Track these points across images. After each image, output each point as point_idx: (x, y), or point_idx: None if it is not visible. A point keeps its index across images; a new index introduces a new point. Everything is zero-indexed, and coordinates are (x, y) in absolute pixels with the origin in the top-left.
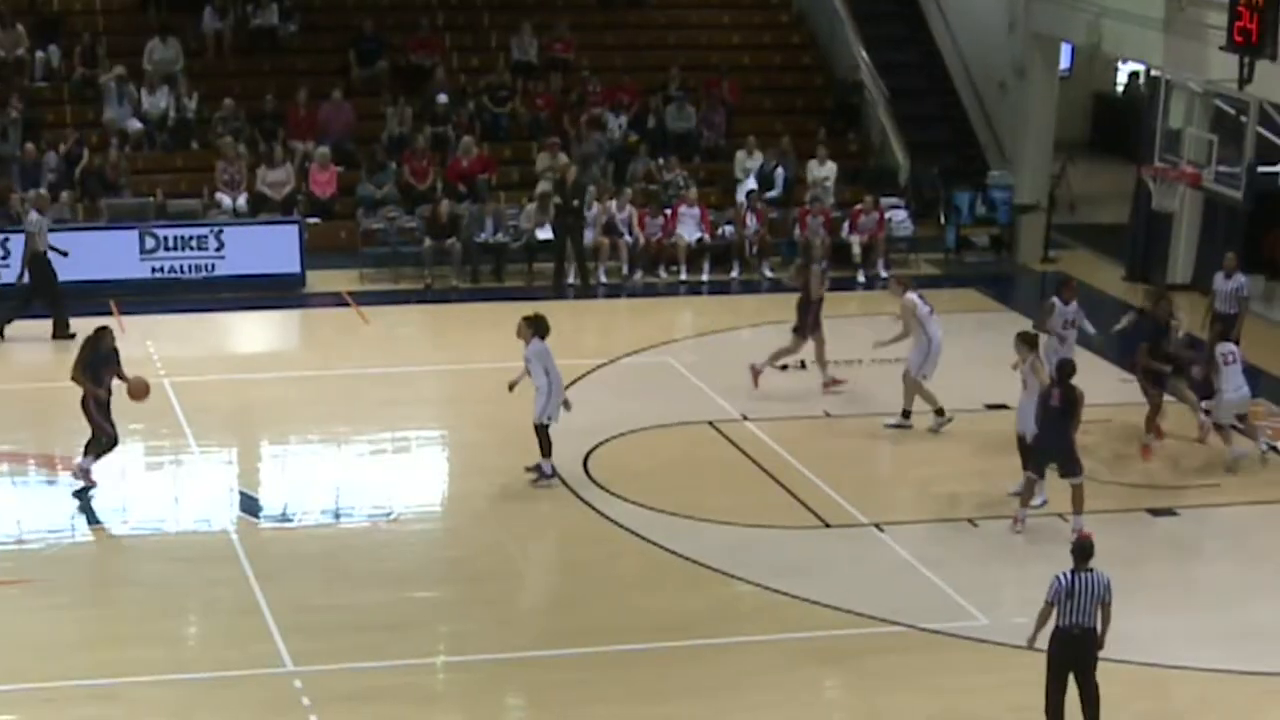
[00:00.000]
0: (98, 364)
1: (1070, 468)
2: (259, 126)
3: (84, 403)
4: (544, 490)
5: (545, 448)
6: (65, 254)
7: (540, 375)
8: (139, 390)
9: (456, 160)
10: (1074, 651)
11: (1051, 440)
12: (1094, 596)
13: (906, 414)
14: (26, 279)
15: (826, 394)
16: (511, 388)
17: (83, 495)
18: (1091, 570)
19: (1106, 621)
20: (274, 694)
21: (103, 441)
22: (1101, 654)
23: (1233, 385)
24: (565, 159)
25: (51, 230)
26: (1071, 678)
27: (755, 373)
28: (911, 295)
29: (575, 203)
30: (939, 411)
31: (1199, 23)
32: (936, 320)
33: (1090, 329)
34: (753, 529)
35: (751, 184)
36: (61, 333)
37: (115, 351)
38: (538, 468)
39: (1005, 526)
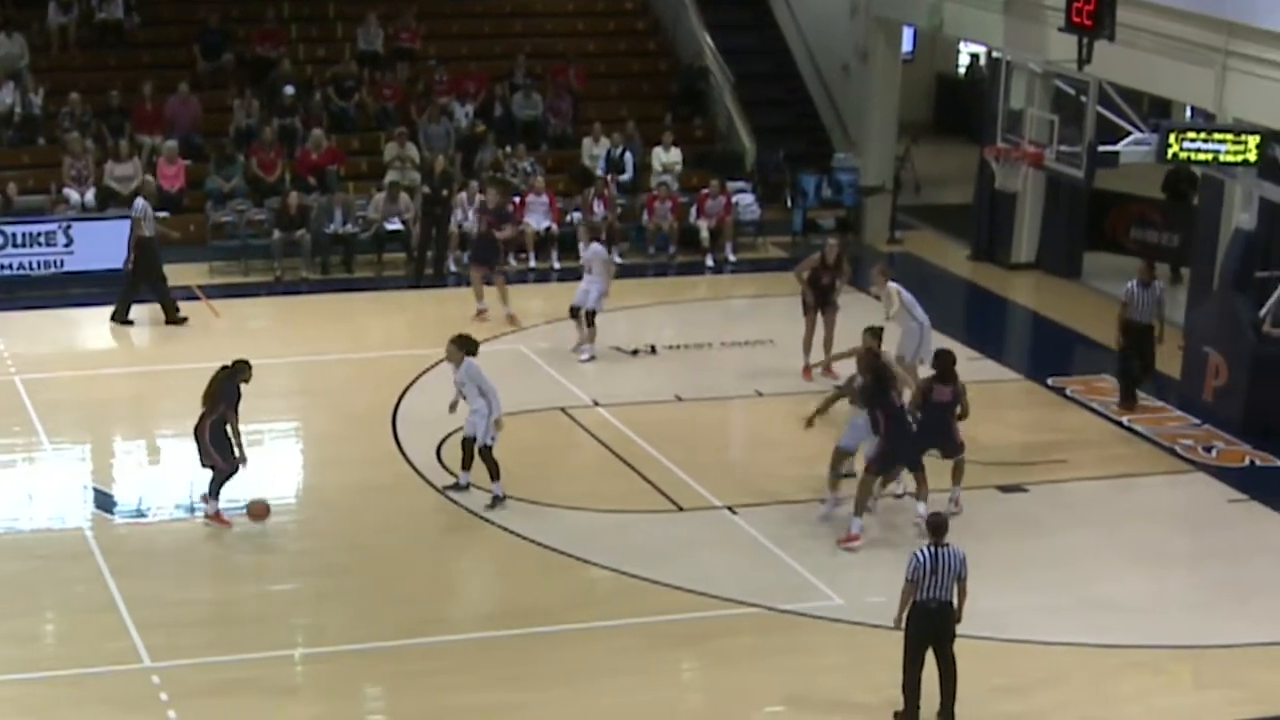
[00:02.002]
0: (232, 395)
1: (953, 449)
2: (106, 121)
3: (199, 428)
4: (398, 480)
5: (494, 470)
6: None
7: (476, 397)
8: (259, 512)
9: (305, 152)
10: (932, 626)
11: (933, 432)
12: (951, 571)
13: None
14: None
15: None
16: (453, 409)
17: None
18: (948, 545)
19: (963, 595)
20: (132, 690)
21: (218, 475)
22: (957, 628)
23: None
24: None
25: None
26: (929, 653)
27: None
28: (894, 284)
29: (444, 192)
30: None
31: (1038, 4)
32: (919, 304)
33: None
34: (607, 514)
35: (599, 171)
36: (172, 317)
37: (240, 390)
38: (483, 494)
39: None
